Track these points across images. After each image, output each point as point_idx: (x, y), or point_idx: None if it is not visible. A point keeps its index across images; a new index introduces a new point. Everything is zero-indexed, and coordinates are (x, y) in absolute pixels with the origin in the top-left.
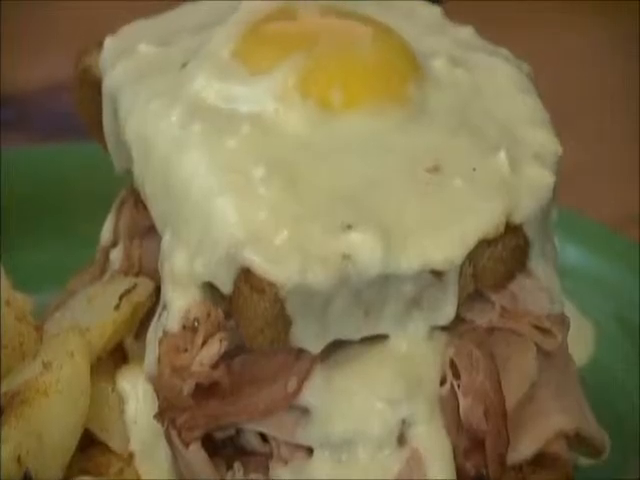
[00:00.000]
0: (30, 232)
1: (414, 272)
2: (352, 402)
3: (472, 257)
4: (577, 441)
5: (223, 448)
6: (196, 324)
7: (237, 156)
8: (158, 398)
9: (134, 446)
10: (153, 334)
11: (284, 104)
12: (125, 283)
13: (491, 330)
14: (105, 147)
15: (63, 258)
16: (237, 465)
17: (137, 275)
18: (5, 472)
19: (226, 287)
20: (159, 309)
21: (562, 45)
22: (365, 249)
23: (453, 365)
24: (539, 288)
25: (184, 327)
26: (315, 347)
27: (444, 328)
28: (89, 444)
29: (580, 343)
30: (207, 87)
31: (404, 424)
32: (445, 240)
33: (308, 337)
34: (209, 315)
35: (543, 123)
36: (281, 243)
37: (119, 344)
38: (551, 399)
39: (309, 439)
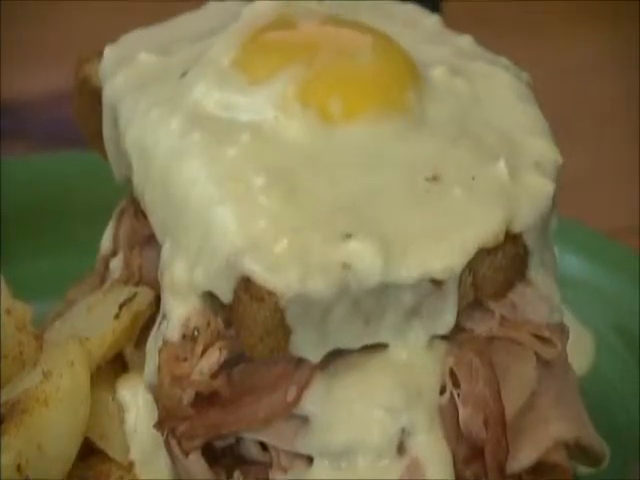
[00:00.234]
0: (30, 241)
1: (414, 281)
2: (352, 411)
3: (472, 266)
4: (577, 450)
5: (223, 457)
6: (196, 333)
7: (237, 165)
8: (158, 407)
9: (134, 455)
10: (153, 343)
11: (284, 113)
12: (125, 292)
13: (491, 339)
14: (105, 156)
15: (63, 267)
16: (237, 474)
17: (137, 284)
18: None
19: (226, 296)
20: (159, 318)
21: (562, 54)
22: (365, 258)
23: (453, 374)
24: (539, 297)
25: (184, 336)
26: (315, 356)
27: (444, 337)
28: (89, 453)
29: (579, 352)
30: (207, 96)
31: (404, 433)
32: (445, 249)
33: (308, 346)
34: (209, 324)
35: (543, 132)
36: (281, 252)
37: (119, 353)
38: (551, 408)
39: (309, 448)
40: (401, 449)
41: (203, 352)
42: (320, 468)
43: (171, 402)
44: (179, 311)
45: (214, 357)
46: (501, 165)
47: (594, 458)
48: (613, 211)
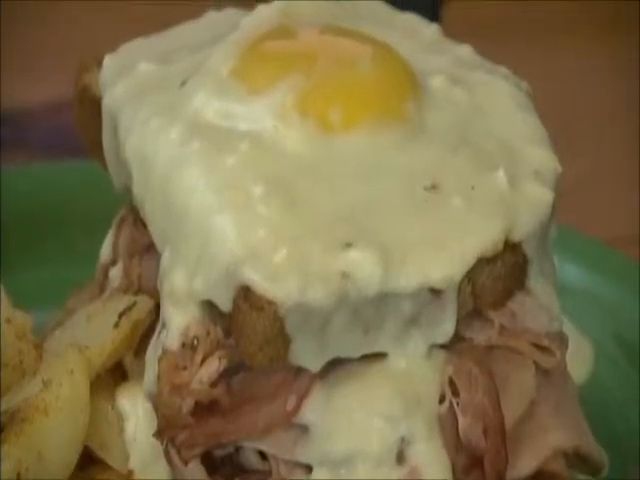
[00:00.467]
0: (30, 250)
1: (413, 290)
2: (351, 420)
3: (471, 275)
4: (576, 459)
5: (222, 466)
6: (195, 342)
7: (236, 174)
8: (157, 416)
9: (133, 463)
10: (152, 352)
11: (283, 123)
12: (124, 301)
13: (490, 348)
14: (104, 165)
15: (63, 276)
16: None
17: (136, 293)
18: None
19: (225, 305)
20: (158, 327)
21: (561, 64)
22: (364, 267)
23: (452, 383)
24: (538, 306)
25: (183, 345)
26: (314, 365)
27: (443, 346)
28: (89, 461)
29: (579, 361)
30: (206, 105)
31: (403, 442)
32: (444, 258)
33: (307, 355)
34: (208, 333)
35: (542, 141)
36: (280, 261)
37: (118, 362)
38: (550, 417)
39: (308, 457)
40: (400, 458)
41: (203, 361)
42: (320, 477)
43: (171, 411)
44: (178, 320)
45: (214, 366)
46: (500, 174)
47: (593, 467)
48: (613, 219)
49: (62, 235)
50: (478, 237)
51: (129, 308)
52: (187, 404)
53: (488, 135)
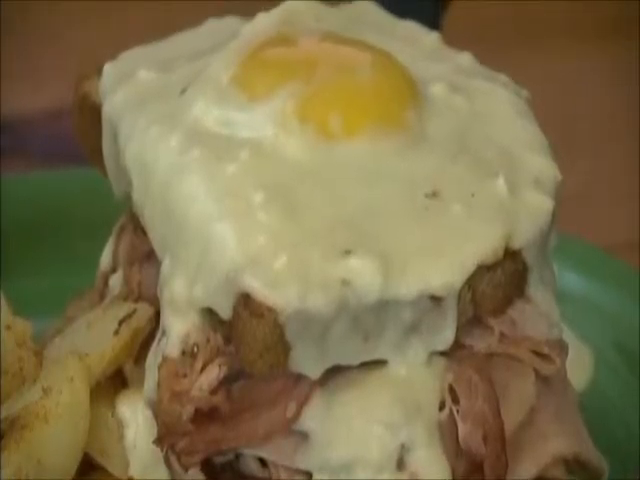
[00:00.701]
0: (30, 257)
1: (413, 297)
2: (351, 427)
3: (471, 282)
4: (576, 466)
5: (222, 473)
6: (195, 349)
7: (236, 181)
8: (157, 423)
9: (133, 471)
10: (152, 359)
11: (283, 130)
12: (124, 308)
13: (490, 355)
14: (104, 173)
15: (63, 283)
16: None
17: (136, 300)
18: None
19: (225, 312)
20: (158, 334)
21: (562, 70)
22: (364, 274)
23: (452, 390)
24: (538, 314)
25: (183, 352)
26: (314, 372)
27: (443, 353)
28: (89, 468)
29: (579, 368)
30: (206, 113)
31: (403, 449)
32: (444, 265)
33: (307, 362)
34: (208, 340)
35: (542, 148)
36: (280, 268)
37: (119, 369)
38: (550, 424)
39: (308, 464)
40: (400, 465)
41: (202, 368)
42: None
43: (171, 418)
44: (178, 327)
45: (213, 373)
46: (500, 182)
47: (593, 474)
48: (612, 227)
49: (62, 242)
50: (478, 244)
51: (129, 315)
52: (187, 411)
53: (488, 142)
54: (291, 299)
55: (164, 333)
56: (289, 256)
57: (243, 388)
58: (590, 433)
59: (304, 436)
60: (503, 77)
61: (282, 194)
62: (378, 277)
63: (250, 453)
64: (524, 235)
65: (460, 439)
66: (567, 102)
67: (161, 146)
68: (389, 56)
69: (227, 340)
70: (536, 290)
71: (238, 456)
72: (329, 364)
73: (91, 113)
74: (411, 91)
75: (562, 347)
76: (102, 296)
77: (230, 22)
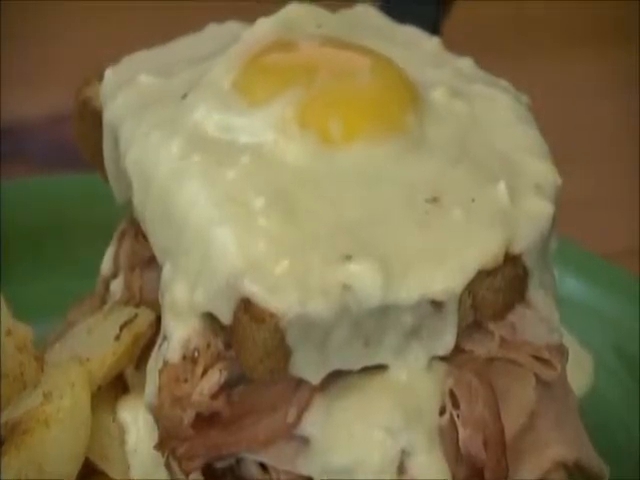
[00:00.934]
0: (31, 262)
1: (414, 302)
2: (352, 432)
3: (471, 287)
4: (576, 470)
5: (223, 477)
6: (196, 354)
7: (237, 187)
8: (158, 428)
9: (134, 475)
10: (153, 364)
11: (283, 135)
12: (125, 313)
13: (490, 360)
14: (105, 177)
15: (64, 288)
16: None
17: (138, 305)
18: None
19: (226, 317)
20: (159, 339)
21: (563, 75)
22: (365, 279)
23: (452, 395)
24: (538, 319)
25: (184, 357)
26: (315, 377)
27: (443, 358)
28: (90, 473)
29: (579, 373)
30: (207, 118)
31: (404, 454)
32: (444, 270)
33: (308, 367)
34: (209, 345)
35: (542, 154)
36: (281, 273)
37: (120, 374)
38: (550, 429)
39: (309, 469)
40: (401, 469)
41: (203, 373)
42: None
43: (171, 423)
44: (179, 332)
45: (214, 378)
46: (501, 187)
47: (594, 478)
48: (613, 233)
49: (63, 247)
50: (479, 249)
51: (130, 320)
52: (188, 416)
53: (488, 147)
54: (292, 304)
55: (165, 338)
56: (290, 261)
57: (244, 393)
58: (590, 438)
59: (305, 441)
60: (503, 82)
61: (282, 199)
62: (379, 282)
63: (251, 458)
64: (524, 240)
65: (460, 444)
66: (567, 107)
67: (162, 151)
68: (389, 61)
69: (228, 345)
70: (536, 295)
71: (239, 461)
72: (330, 369)
73: (92, 118)
74: (411, 96)
75: (562, 352)
76: (103, 301)
77: (231, 27)
